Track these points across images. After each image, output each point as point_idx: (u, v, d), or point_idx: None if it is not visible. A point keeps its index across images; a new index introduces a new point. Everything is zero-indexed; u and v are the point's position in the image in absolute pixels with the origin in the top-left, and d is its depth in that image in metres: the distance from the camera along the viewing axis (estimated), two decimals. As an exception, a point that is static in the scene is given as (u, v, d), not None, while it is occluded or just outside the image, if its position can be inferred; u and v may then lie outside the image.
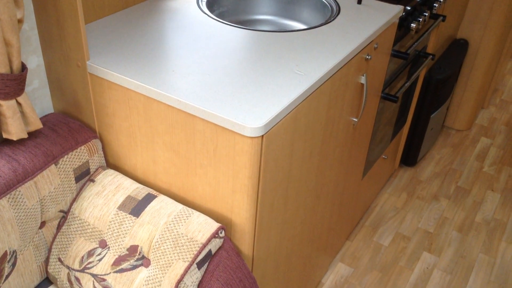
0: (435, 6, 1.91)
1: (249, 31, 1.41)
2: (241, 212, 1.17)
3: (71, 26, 1.15)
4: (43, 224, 1.22)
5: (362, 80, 1.54)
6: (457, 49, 2.59)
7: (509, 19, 2.60)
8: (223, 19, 1.69)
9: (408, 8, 1.71)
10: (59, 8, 1.15)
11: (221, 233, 1.15)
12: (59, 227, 1.25)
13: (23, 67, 1.11)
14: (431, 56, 2.12)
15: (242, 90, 1.13)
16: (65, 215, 1.25)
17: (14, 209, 1.10)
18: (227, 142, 1.08)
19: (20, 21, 1.07)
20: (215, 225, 1.15)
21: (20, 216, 1.12)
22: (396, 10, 1.60)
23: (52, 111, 1.37)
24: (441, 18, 2.06)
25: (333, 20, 1.51)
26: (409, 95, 2.25)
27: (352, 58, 1.39)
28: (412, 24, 1.73)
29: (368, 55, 1.49)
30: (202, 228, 1.13)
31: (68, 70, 1.25)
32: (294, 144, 1.23)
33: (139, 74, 1.16)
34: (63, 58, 1.23)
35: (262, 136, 1.05)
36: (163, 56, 1.24)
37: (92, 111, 1.28)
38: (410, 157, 2.58)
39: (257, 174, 1.11)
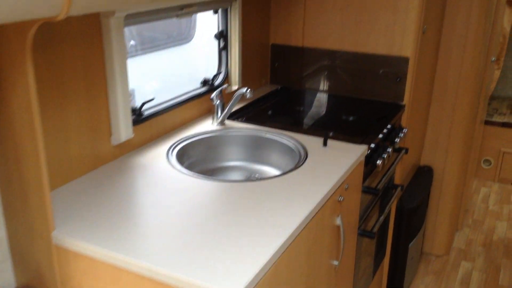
0: (396, 141, 1.98)
1: (220, 182, 1.40)
2: None
3: (36, 197, 1.11)
4: None
5: (338, 221, 1.52)
6: (423, 176, 2.65)
7: (468, 143, 2.72)
8: (193, 170, 1.69)
9: (372, 145, 1.76)
10: (24, 179, 1.12)
11: None
12: None
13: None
14: (400, 187, 2.15)
15: (217, 249, 1.08)
16: None
17: None
18: (205, 309, 1.00)
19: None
20: None
21: None
22: (361, 150, 1.65)
23: (14, 285, 1.27)
24: (404, 150, 2.13)
25: (302, 164, 1.53)
26: (384, 227, 2.24)
27: (325, 202, 1.38)
28: (377, 161, 1.78)
29: (340, 196, 1.49)
30: None
31: (32, 242, 1.18)
32: (276, 301, 1.15)
33: (107, 241, 1.10)
34: (27, 229, 1.17)
35: (243, 300, 0.98)
36: (133, 218, 1.20)
37: (56, 284, 1.19)
38: (394, 290, 2.49)
39: None
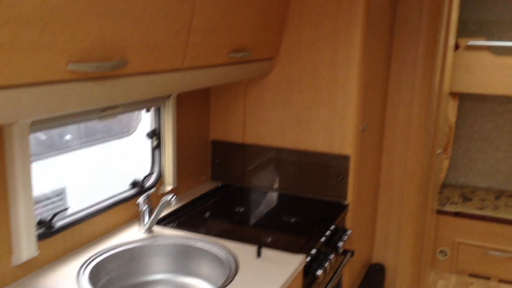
0: (340, 245, 1.86)
1: (133, 309, 1.23)
2: None
3: None
4: None
5: None
6: (375, 275, 2.52)
7: (419, 236, 2.63)
8: (112, 286, 1.51)
9: (313, 252, 1.63)
10: None
11: None
12: None
13: None
14: (347, 293, 2.00)
15: None
16: None
17: None
18: None
19: None
20: None
21: None
22: (298, 260, 1.51)
23: None
24: (350, 253, 2.00)
25: (230, 282, 1.37)
26: (333, 337, 2.05)
27: (252, 330, 1.21)
28: (318, 272, 1.63)
29: (272, 320, 1.33)
30: None
31: None
32: None
33: None
34: None
35: None
36: None
37: None
38: None
39: None
